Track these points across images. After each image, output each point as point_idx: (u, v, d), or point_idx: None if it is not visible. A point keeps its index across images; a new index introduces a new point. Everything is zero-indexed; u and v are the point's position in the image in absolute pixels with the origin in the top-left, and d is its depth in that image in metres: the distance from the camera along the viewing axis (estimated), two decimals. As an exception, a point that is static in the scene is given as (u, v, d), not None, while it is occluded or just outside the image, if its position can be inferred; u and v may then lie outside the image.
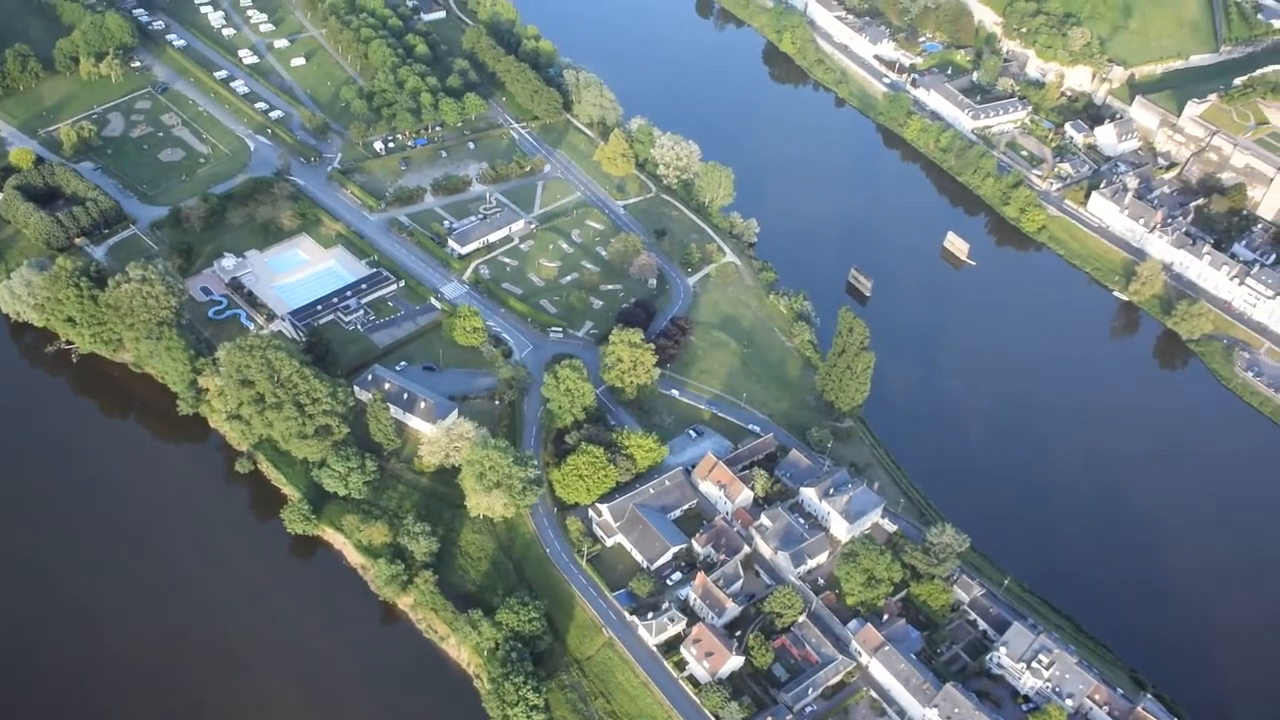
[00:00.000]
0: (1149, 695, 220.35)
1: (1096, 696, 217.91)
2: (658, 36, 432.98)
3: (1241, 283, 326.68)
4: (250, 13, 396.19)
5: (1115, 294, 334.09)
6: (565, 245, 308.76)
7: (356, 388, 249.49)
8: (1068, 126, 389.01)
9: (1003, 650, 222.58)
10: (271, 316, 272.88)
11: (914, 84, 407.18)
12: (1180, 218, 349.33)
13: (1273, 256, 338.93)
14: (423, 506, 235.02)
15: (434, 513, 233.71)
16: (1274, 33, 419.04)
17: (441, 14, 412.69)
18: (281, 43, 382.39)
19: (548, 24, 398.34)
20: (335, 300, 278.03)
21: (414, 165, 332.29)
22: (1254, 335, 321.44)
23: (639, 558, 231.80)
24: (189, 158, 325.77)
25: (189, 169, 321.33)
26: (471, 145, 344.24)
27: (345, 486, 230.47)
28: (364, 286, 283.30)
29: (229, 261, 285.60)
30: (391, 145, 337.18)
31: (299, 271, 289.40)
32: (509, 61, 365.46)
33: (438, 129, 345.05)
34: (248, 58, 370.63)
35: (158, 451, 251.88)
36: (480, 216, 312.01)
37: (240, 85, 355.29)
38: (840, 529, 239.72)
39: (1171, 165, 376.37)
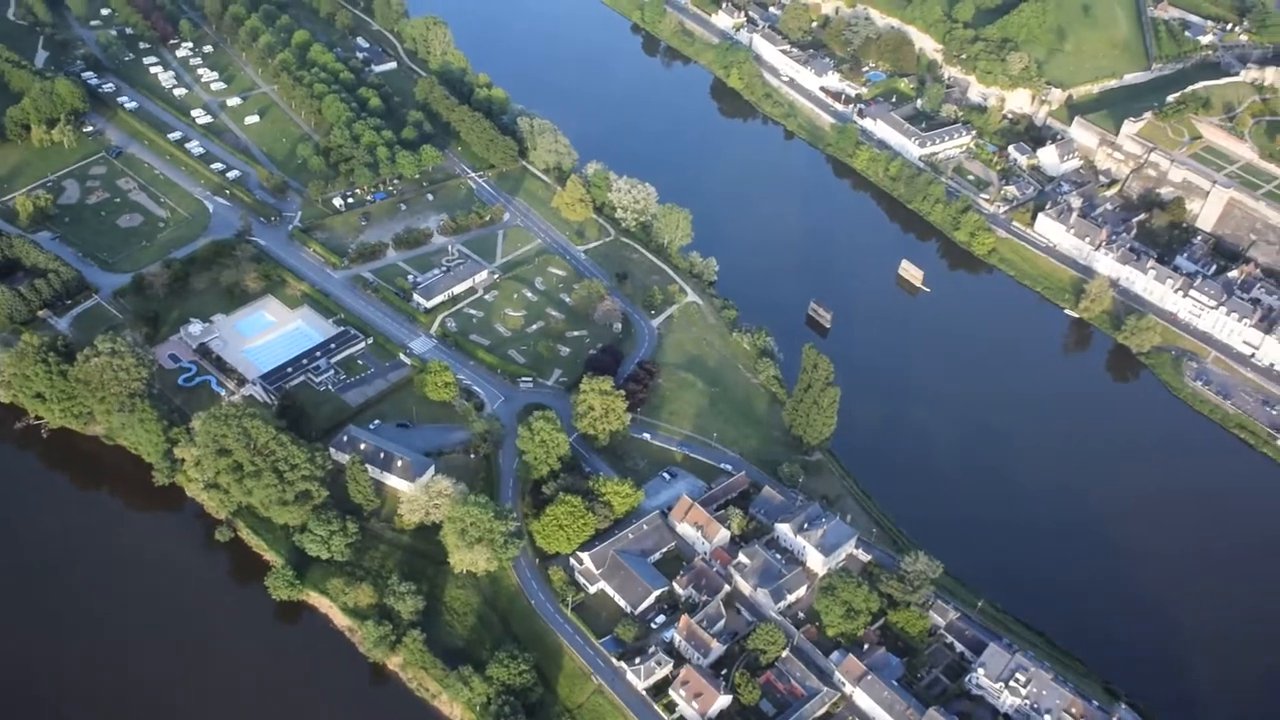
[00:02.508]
0: (1123, 704, 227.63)
1: (1073, 710, 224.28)
2: (607, 77, 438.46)
3: (1185, 295, 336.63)
4: (201, 71, 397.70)
5: (1066, 312, 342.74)
6: (529, 294, 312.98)
7: (332, 449, 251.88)
8: (1011, 149, 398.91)
9: (981, 671, 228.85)
10: (242, 381, 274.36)
11: (860, 114, 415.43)
12: (1124, 234, 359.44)
13: (1213, 268, 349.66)
14: (406, 565, 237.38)
15: (417, 571, 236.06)
16: (1201, 49, 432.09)
17: (392, 65, 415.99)
18: (234, 100, 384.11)
19: (498, 71, 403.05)
20: (305, 361, 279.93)
21: (374, 220, 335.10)
22: (1200, 345, 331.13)
23: (622, 603, 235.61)
24: (148, 223, 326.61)
25: (149, 234, 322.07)
26: (430, 197, 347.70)
27: (328, 550, 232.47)
28: (333, 346, 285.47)
29: (196, 327, 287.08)
30: (351, 201, 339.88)
31: (267, 334, 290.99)
32: (463, 111, 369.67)
33: (396, 182, 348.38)
34: (201, 117, 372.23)
35: (135, 523, 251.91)
36: (444, 269, 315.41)
37: (195, 146, 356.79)
38: (817, 562, 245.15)
39: (1113, 183, 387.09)
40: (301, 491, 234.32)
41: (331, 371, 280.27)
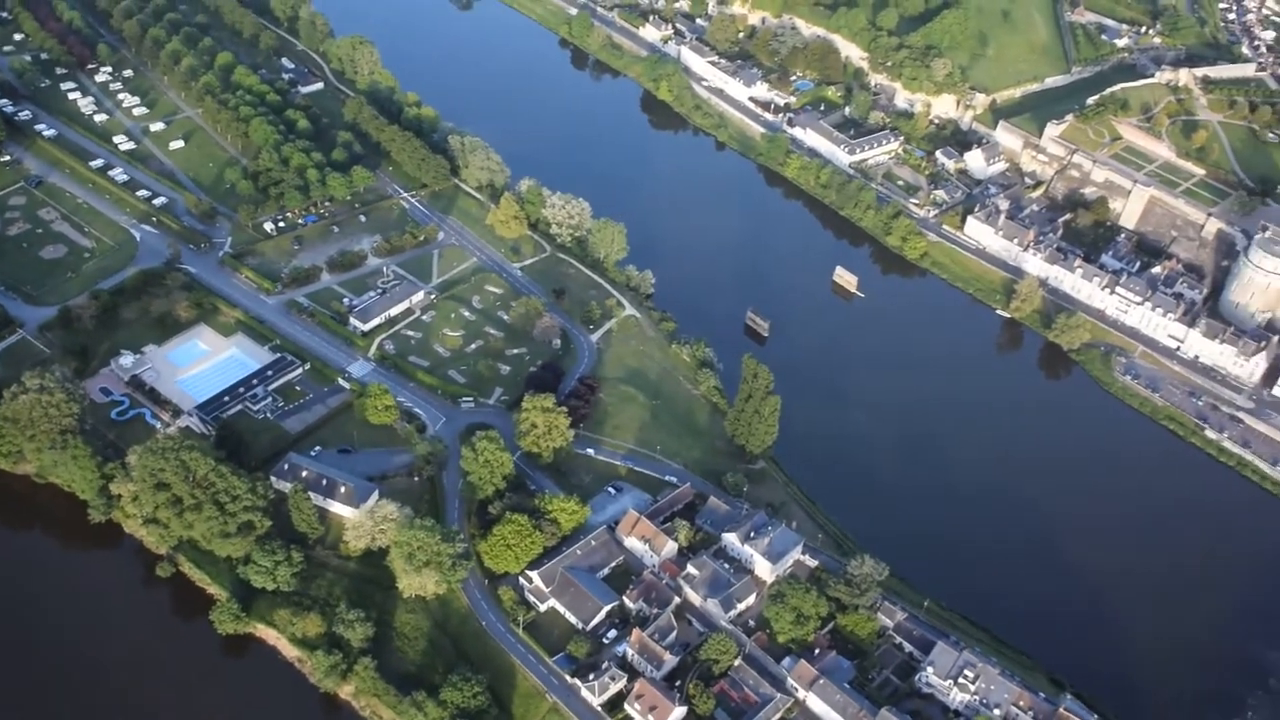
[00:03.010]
0: (1069, 695, 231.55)
1: (1021, 703, 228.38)
2: (537, 93, 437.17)
3: (1112, 291, 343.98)
4: (121, 96, 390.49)
5: (998, 312, 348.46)
6: (467, 313, 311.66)
7: (273, 478, 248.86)
8: (939, 154, 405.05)
9: (930, 670, 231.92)
10: (177, 413, 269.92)
11: (790, 123, 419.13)
12: (1051, 234, 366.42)
13: (1137, 264, 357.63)
14: (354, 592, 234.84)
15: (365, 597, 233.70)
16: (1118, 52, 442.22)
17: (319, 85, 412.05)
18: (157, 126, 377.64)
19: (427, 89, 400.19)
20: (241, 390, 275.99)
21: (307, 243, 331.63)
22: (1128, 340, 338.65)
23: (573, 620, 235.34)
24: (73, 253, 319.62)
25: (74, 265, 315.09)
26: (363, 218, 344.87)
27: (273, 581, 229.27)
28: (269, 373, 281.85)
29: (127, 359, 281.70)
30: (282, 225, 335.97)
31: (201, 363, 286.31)
32: (392, 130, 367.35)
33: (327, 204, 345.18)
34: (124, 144, 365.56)
35: (72, 563, 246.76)
36: (379, 291, 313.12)
37: (119, 173, 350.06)
38: (764, 570, 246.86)
39: (1038, 184, 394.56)
40: (244, 523, 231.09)
41: (269, 399, 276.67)
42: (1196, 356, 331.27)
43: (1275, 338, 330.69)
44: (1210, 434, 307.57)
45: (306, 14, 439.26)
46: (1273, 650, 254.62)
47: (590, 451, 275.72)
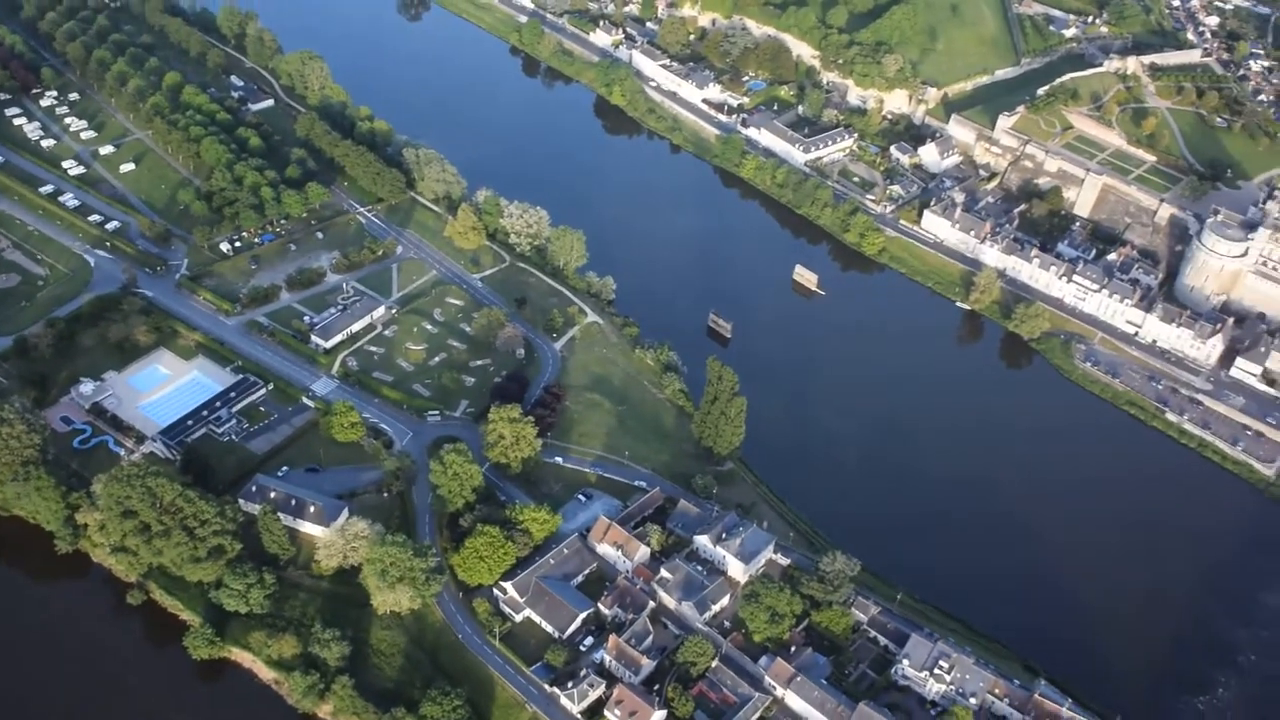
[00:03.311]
0: (1043, 681, 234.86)
1: (996, 691, 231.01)
2: (490, 102, 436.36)
3: (1069, 280, 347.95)
4: (68, 120, 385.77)
5: (958, 304, 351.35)
6: (429, 326, 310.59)
7: (241, 500, 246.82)
8: (893, 149, 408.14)
9: (905, 662, 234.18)
10: (141, 439, 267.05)
11: (744, 124, 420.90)
12: (1007, 225, 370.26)
13: (1093, 252, 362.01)
14: (328, 611, 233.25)
15: (340, 615, 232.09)
16: (1066, 42, 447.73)
17: (270, 102, 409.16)
18: (107, 149, 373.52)
19: (379, 103, 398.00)
20: (205, 413, 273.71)
21: (264, 262, 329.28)
22: (1087, 328, 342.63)
23: (549, 629, 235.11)
24: (26, 281, 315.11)
25: (28, 294, 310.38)
26: (320, 235, 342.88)
27: (246, 604, 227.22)
28: (232, 395, 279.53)
29: (87, 387, 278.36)
30: (238, 244, 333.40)
31: (162, 388, 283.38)
32: (346, 145, 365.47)
33: (283, 222, 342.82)
34: (73, 168, 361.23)
35: (40, 594, 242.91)
36: (340, 308, 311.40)
37: (70, 198, 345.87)
38: (737, 571, 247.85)
39: (992, 176, 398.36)
40: (214, 547, 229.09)
41: (233, 421, 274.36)
42: (1154, 341, 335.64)
43: (1230, 320, 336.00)
44: (1171, 417, 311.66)
45: (254, 31, 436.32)
46: (1240, 628, 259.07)
47: (559, 460, 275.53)
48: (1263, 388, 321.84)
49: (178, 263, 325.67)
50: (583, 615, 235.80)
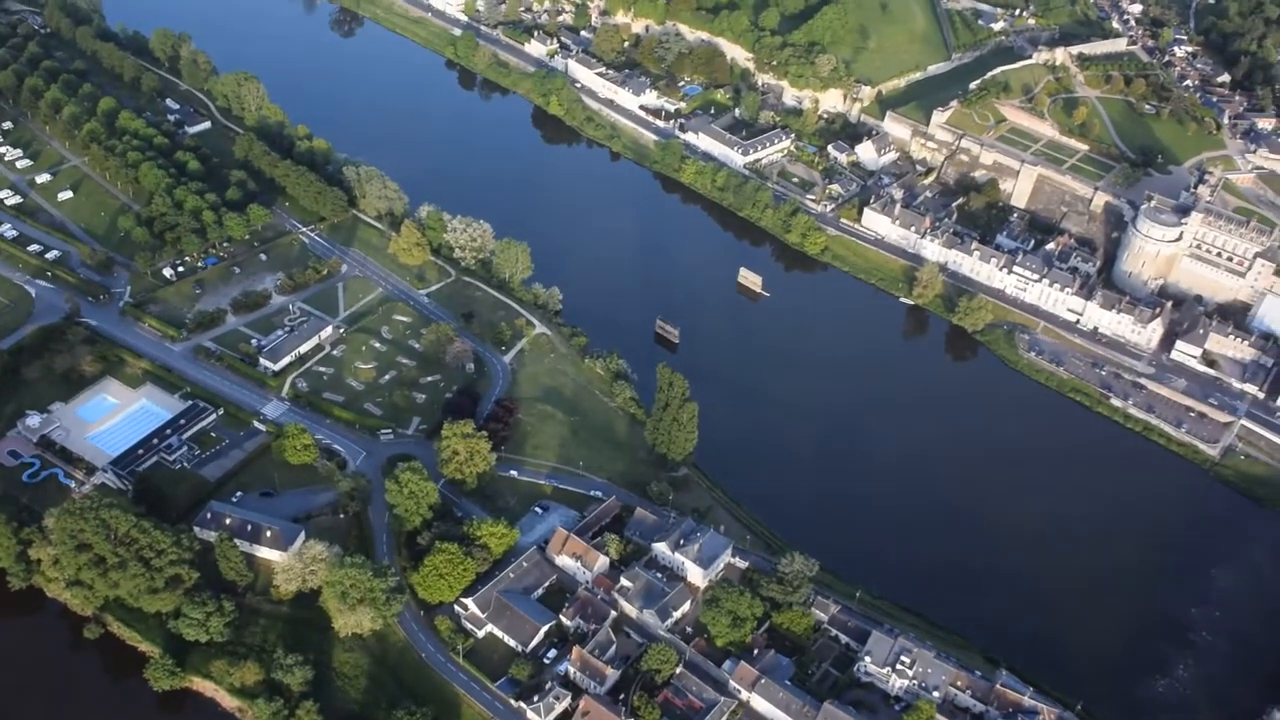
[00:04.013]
0: (1004, 671, 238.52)
1: (959, 683, 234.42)
2: (428, 116, 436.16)
3: (1010, 271, 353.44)
4: (2, 149, 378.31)
5: (902, 300, 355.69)
6: (377, 344, 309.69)
7: (197, 528, 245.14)
8: (830, 148, 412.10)
9: (867, 659, 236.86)
10: (91, 470, 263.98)
11: (682, 128, 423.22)
12: (946, 219, 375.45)
13: (1031, 242, 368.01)
14: (289, 636, 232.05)
15: (302, 639, 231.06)
16: (994, 36, 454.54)
17: (207, 125, 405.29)
18: (43, 177, 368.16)
19: (318, 121, 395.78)
20: (155, 441, 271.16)
21: (209, 287, 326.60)
22: (1029, 318, 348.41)
23: (513, 643, 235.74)
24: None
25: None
26: (263, 257, 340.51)
27: (206, 632, 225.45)
28: (182, 421, 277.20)
29: (34, 419, 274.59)
30: (181, 269, 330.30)
31: (111, 417, 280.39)
32: (286, 165, 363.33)
33: (226, 245, 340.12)
34: (9, 198, 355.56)
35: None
36: (287, 329, 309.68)
37: (7, 229, 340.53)
38: (697, 576, 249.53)
39: (929, 171, 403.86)
40: (171, 577, 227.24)
41: (185, 448, 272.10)
42: (1096, 328, 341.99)
43: (1169, 303, 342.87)
44: (1116, 402, 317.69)
45: (188, 53, 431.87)
46: (1193, 607, 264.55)
47: (514, 473, 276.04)
48: (1203, 369, 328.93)
49: (121, 290, 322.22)
50: (545, 628, 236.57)
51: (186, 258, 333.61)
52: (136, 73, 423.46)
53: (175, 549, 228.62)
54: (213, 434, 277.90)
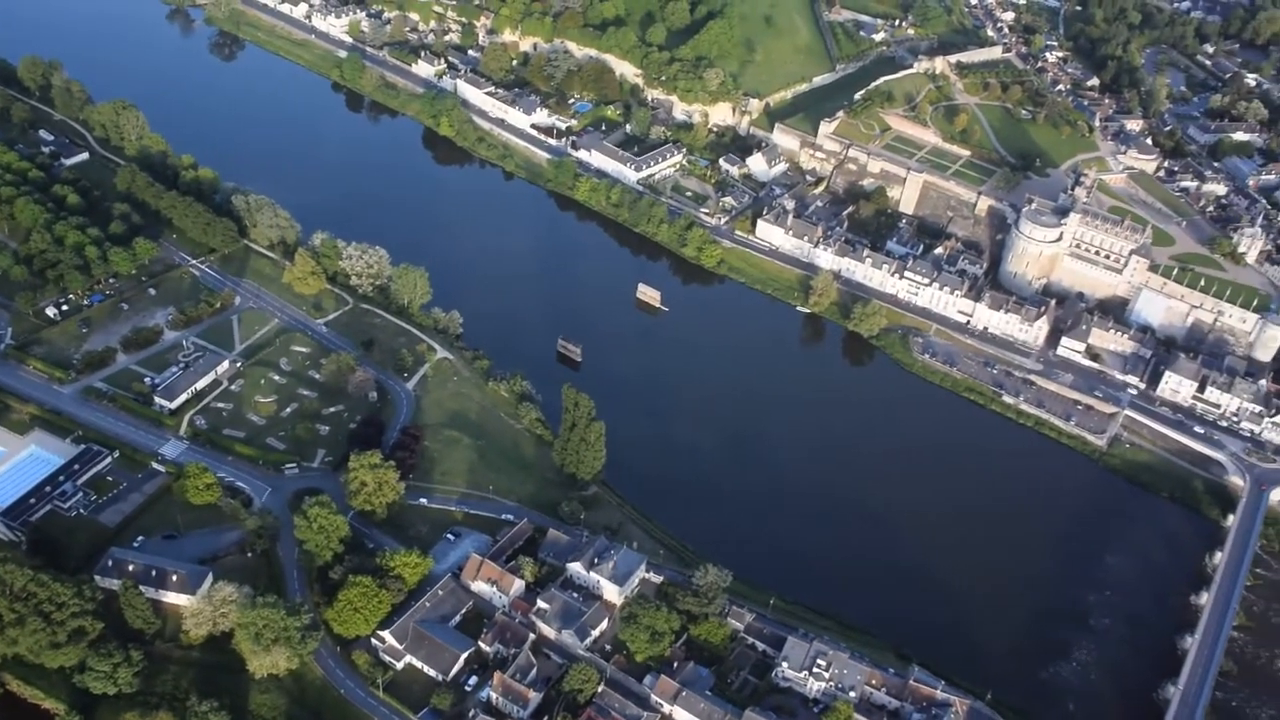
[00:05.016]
0: (916, 667, 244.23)
1: (874, 682, 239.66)
2: (316, 142, 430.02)
3: (901, 276, 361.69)
4: None
5: (798, 309, 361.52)
6: (277, 377, 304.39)
7: (98, 576, 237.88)
8: (722, 161, 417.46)
9: (785, 664, 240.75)
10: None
11: (574, 146, 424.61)
12: (837, 227, 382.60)
13: (920, 247, 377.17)
14: (202, 681, 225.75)
15: (215, 684, 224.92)
16: (876, 46, 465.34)
17: (85, 156, 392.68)
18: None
19: (202, 150, 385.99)
20: (48, 489, 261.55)
21: (96, 325, 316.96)
22: (922, 321, 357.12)
23: (433, 673, 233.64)
24: None
25: None
26: (153, 291, 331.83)
27: (114, 685, 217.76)
28: (76, 467, 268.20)
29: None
30: (66, 308, 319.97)
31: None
32: (171, 196, 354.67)
33: (112, 281, 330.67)
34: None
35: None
36: (181, 365, 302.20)
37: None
38: (613, 594, 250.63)
39: (819, 181, 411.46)
40: (74, 630, 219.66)
41: (80, 494, 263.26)
42: (985, 328, 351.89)
43: (1053, 301, 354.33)
44: (1008, 399, 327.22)
45: (60, 81, 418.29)
46: (1089, 592, 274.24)
47: (423, 501, 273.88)
48: (1087, 363, 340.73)
49: (1, 332, 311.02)
50: (464, 655, 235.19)
51: (71, 295, 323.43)
52: (5, 103, 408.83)
53: (77, 600, 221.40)
54: (109, 478, 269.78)
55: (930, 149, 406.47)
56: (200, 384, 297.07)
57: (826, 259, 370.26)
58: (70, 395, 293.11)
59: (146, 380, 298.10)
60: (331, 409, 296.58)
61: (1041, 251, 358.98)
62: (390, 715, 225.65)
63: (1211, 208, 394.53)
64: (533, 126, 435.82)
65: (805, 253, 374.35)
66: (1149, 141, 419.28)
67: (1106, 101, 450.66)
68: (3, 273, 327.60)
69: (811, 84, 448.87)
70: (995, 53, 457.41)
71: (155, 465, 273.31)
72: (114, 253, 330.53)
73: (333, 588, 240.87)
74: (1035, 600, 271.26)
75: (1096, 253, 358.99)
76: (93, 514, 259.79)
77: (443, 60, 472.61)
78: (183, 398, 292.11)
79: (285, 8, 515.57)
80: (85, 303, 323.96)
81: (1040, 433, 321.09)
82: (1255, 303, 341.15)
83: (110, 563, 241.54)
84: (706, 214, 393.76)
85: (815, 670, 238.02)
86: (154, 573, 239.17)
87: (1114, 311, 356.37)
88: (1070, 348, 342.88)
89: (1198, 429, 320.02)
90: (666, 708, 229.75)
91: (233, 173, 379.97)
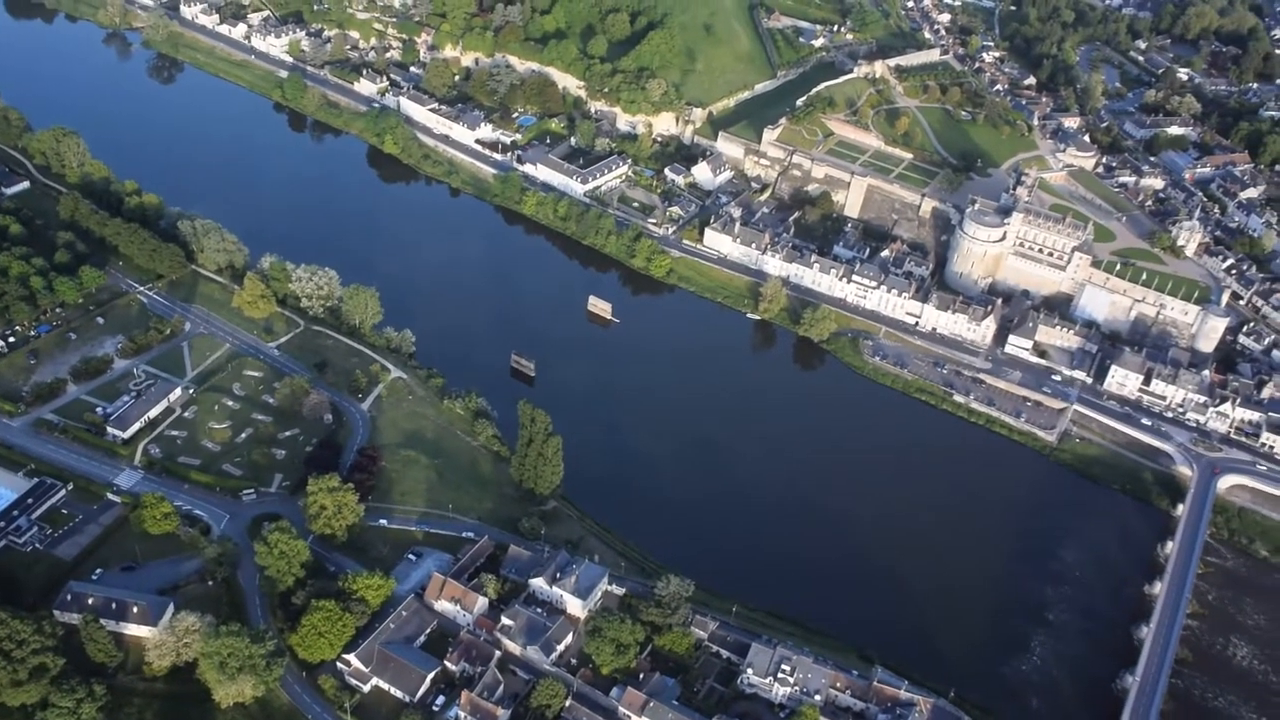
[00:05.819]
0: (879, 668, 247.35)
1: (838, 684, 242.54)
2: (260, 163, 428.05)
3: (849, 280, 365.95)
4: None
5: (748, 315, 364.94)
6: (230, 402, 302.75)
7: (57, 611, 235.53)
8: (667, 171, 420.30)
9: (749, 671, 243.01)
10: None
11: (519, 160, 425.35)
12: (784, 234, 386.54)
13: (866, 251, 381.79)
14: (167, 713, 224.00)
15: (181, 715, 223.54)
16: (816, 52, 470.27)
17: (25, 184, 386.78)
18: None
19: (146, 176, 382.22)
20: (1, 524, 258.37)
21: (44, 355, 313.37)
22: (871, 324, 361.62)
23: (399, 694, 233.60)
24: None
25: None
26: (101, 320, 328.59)
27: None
28: (30, 501, 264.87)
29: None
30: (12, 339, 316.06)
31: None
32: (116, 223, 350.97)
33: (59, 311, 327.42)
34: None
35: None
36: (133, 394, 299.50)
37: None
38: (576, 608, 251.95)
39: (764, 188, 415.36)
40: (35, 667, 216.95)
41: (35, 529, 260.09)
42: (934, 329, 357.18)
43: (999, 300, 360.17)
44: (958, 398, 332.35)
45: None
46: (1045, 586, 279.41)
47: (383, 522, 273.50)
48: (1035, 360, 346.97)
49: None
50: (431, 675, 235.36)
51: (16, 327, 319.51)
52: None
53: (37, 637, 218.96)
54: (64, 511, 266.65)
55: (873, 153, 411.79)
56: (153, 412, 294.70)
57: (774, 265, 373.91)
58: (20, 428, 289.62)
59: (98, 410, 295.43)
60: (287, 433, 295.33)
61: (986, 251, 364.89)
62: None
63: (1150, 202, 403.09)
64: (477, 142, 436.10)
65: (753, 260, 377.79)
66: (1087, 139, 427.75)
67: (1044, 100, 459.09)
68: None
69: (753, 91, 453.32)
70: (933, 55, 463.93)
71: (111, 496, 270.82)
72: (59, 282, 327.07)
73: (296, 613, 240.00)
74: (993, 596, 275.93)
75: (1040, 251, 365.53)
76: (49, 548, 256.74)
77: (385, 78, 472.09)
78: (136, 427, 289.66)
79: (224, 29, 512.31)
80: (32, 334, 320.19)
81: (991, 430, 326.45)
82: (1196, 295, 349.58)
83: (69, 597, 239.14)
84: (654, 224, 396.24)
85: (780, 675, 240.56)
86: (114, 605, 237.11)
87: (1059, 308, 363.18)
88: (1018, 345, 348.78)
89: (1145, 421, 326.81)
90: (634, 719, 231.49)
91: (177, 198, 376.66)
